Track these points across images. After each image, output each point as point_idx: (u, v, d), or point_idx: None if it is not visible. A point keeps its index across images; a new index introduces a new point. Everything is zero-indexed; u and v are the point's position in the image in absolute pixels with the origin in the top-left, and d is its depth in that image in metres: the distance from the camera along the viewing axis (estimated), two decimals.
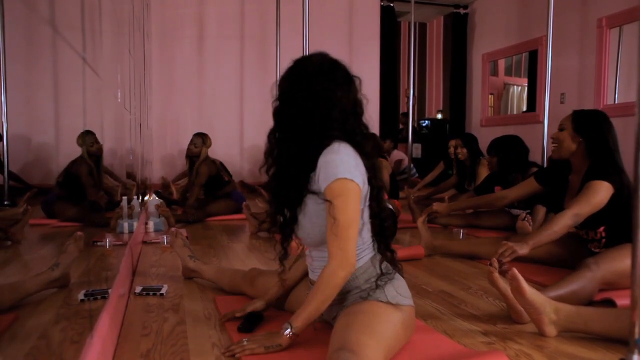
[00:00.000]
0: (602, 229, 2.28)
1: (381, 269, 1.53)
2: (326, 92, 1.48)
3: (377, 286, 1.52)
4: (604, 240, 2.29)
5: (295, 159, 1.51)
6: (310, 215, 1.54)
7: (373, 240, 1.57)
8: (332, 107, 1.48)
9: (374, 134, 5.05)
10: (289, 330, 1.48)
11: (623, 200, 2.15)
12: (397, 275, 1.60)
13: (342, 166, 1.43)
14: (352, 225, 1.44)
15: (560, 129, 2.37)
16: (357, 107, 1.55)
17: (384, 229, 1.57)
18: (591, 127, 2.30)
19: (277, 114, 1.56)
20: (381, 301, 1.50)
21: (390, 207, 3.14)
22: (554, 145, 2.40)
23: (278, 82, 1.57)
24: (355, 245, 1.45)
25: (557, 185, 2.49)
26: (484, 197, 3.15)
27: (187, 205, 4.22)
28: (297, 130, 1.50)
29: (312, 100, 1.48)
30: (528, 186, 2.68)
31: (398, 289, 1.54)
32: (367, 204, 1.53)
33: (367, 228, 1.56)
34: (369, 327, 1.41)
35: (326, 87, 1.49)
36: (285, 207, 1.58)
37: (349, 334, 1.35)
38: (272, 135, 1.57)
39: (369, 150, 1.54)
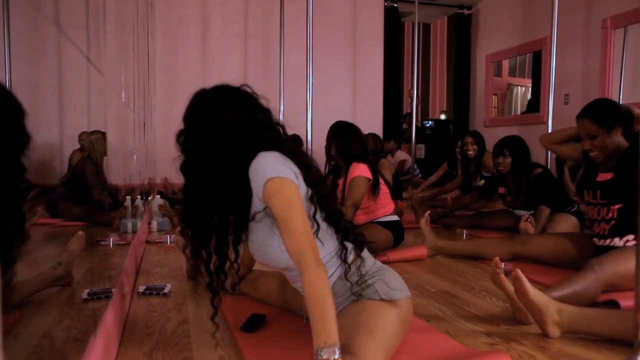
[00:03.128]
0: (618, 207, 2.27)
1: (347, 262, 1.49)
2: (218, 128, 1.43)
3: (368, 285, 1.49)
4: (613, 222, 2.28)
5: (232, 192, 1.46)
6: (263, 236, 1.50)
7: (338, 239, 1.52)
8: (232, 133, 1.43)
9: (374, 135, 5.07)
10: (334, 349, 1.20)
11: None
12: (387, 269, 1.57)
13: (269, 167, 1.39)
14: (296, 215, 1.34)
15: (592, 137, 2.31)
16: (257, 115, 1.49)
17: (337, 219, 1.51)
18: (616, 116, 2.30)
19: (191, 169, 1.49)
20: (374, 299, 1.48)
21: (397, 218, 3.11)
22: (593, 154, 2.35)
23: (179, 145, 1.51)
24: (311, 237, 1.35)
25: (595, 165, 2.46)
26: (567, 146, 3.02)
27: None
28: (219, 172, 1.45)
29: (210, 140, 1.44)
30: (573, 147, 2.67)
31: (390, 283, 1.51)
32: (309, 200, 1.47)
33: (329, 232, 1.50)
34: (367, 327, 1.39)
35: (215, 123, 1.44)
36: (227, 244, 1.55)
37: (347, 336, 1.33)
38: (190, 191, 1.51)
39: (294, 149, 1.50)
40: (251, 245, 1.56)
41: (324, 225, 1.49)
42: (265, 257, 1.54)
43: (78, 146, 1.60)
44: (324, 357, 1.19)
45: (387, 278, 1.53)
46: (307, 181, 1.46)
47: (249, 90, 1.53)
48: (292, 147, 1.50)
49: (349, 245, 1.53)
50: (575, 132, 2.64)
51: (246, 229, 1.54)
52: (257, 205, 1.45)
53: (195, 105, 1.50)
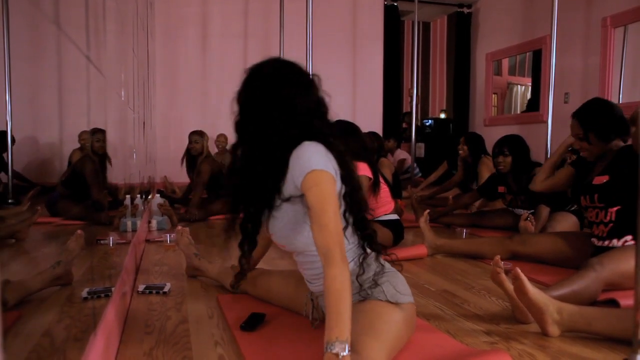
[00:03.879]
0: (616, 209, 2.27)
1: (364, 267, 1.50)
2: (287, 99, 1.45)
3: (376, 285, 1.51)
4: (611, 224, 2.28)
5: (263, 164, 1.48)
6: (289, 220, 1.52)
7: (355, 238, 1.54)
8: (295, 112, 1.45)
9: (374, 133, 5.07)
10: (345, 346, 1.21)
11: None
12: (396, 272, 1.58)
13: (313, 159, 1.41)
14: (330, 210, 1.36)
15: (581, 138, 2.36)
16: (320, 107, 1.52)
17: (362, 225, 1.52)
18: (599, 118, 2.35)
19: (240, 127, 1.52)
20: (381, 300, 1.49)
21: (397, 217, 3.12)
22: (583, 153, 2.41)
23: (236, 96, 1.52)
24: (340, 234, 1.37)
25: (587, 168, 2.48)
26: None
27: (191, 204, 4.22)
28: (263, 140, 1.47)
29: (274, 109, 1.45)
30: (564, 173, 2.67)
31: (397, 286, 1.53)
32: (342, 199, 1.49)
33: (350, 231, 1.52)
34: (372, 327, 1.40)
35: (286, 94, 1.45)
36: (254, 216, 1.56)
37: (352, 335, 1.34)
38: (235, 149, 1.54)
39: (342, 149, 1.51)
40: (273, 223, 1.57)
41: (344, 224, 1.50)
42: (285, 238, 1.56)
43: (78, 145, 1.60)
44: (334, 351, 1.20)
45: (395, 281, 1.55)
46: (344, 180, 1.48)
47: (317, 82, 1.55)
48: (341, 148, 1.52)
49: (367, 248, 1.55)
50: (558, 156, 2.72)
51: (270, 207, 1.54)
52: (291, 189, 1.46)
53: (273, 66, 1.51)
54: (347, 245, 1.50)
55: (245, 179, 1.53)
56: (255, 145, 1.49)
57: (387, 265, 1.61)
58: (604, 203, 2.30)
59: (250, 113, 1.49)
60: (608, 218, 2.29)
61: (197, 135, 4.43)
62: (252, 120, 1.49)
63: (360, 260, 1.52)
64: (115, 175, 2.35)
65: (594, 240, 2.36)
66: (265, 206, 1.55)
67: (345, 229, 1.46)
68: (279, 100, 1.45)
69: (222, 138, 5.91)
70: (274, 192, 1.50)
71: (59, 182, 1.48)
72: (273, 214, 1.55)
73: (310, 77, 1.53)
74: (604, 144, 2.32)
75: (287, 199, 1.48)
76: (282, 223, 1.54)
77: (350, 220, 1.50)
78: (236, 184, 1.56)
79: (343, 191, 1.48)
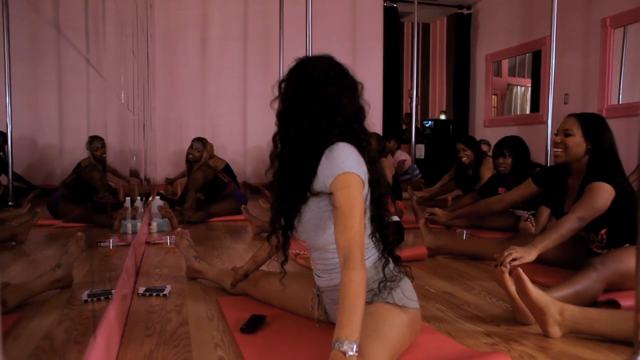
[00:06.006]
0: (604, 231, 2.27)
1: (384, 274, 1.53)
2: (333, 99, 1.48)
3: (385, 287, 1.52)
4: (605, 241, 2.28)
5: (298, 159, 1.51)
6: (313, 216, 1.54)
7: (376, 244, 1.56)
8: (338, 113, 1.48)
9: (377, 134, 5.07)
10: (353, 346, 1.23)
11: (625, 203, 2.15)
12: (405, 279, 1.60)
13: (348, 161, 1.43)
14: (356, 213, 1.39)
15: (567, 134, 2.30)
16: (360, 113, 1.55)
17: (384, 233, 1.55)
18: (601, 134, 2.28)
19: (281, 116, 1.55)
20: (388, 303, 1.50)
21: (397, 218, 3.13)
22: (557, 150, 2.33)
23: (282, 83, 1.56)
24: (363, 238, 1.40)
25: (555, 188, 2.47)
26: (482, 202, 3.10)
27: (184, 208, 4.24)
28: (300, 134, 1.50)
29: (319, 106, 1.48)
30: (526, 188, 2.65)
31: (405, 291, 1.54)
32: (368, 204, 1.51)
33: (368, 232, 1.54)
34: (376, 330, 1.40)
35: (333, 94, 1.48)
36: (288, 207, 1.57)
37: None
38: (275, 137, 1.58)
39: (373, 155, 1.54)
40: (298, 217, 1.58)
41: (368, 229, 1.53)
42: (307, 233, 1.57)
43: (77, 147, 1.60)
44: (342, 349, 1.22)
45: (404, 286, 1.56)
46: (373, 185, 1.50)
47: (360, 89, 1.58)
48: (373, 155, 1.54)
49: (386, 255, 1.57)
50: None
51: (302, 201, 1.56)
52: (320, 187, 1.48)
53: (324, 64, 1.53)
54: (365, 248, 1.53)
55: (283, 168, 1.56)
56: (293, 137, 1.52)
57: (396, 268, 1.61)
58: (587, 231, 2.30)
59: (293, 105, 1.52)
60: (600, 238, 2.29)
61: (200, 144, 4.48)
62: (294, 112, 1.51)
63: (381, 265, 1.54)
64: (116, 177, 2.35)
65: (593, 248, 2.36)
66: (300, 198, 1.55)
67: (371, 235, 1.51)
68: (325, 99, 1.48)
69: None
70: (306, 185, 1.51)
71: (61, 183, 1.48)
72: (304, 208, 1.56)
73: (357, 83, 1.56)
74: (582, 146, 2.29)
75: (316, 194, 1.50)
76: (306, 218, 1.56)
77: (375, 225, 1.52)
78: (275, 172, 1.59)
79: (370, 196, 1.51)
